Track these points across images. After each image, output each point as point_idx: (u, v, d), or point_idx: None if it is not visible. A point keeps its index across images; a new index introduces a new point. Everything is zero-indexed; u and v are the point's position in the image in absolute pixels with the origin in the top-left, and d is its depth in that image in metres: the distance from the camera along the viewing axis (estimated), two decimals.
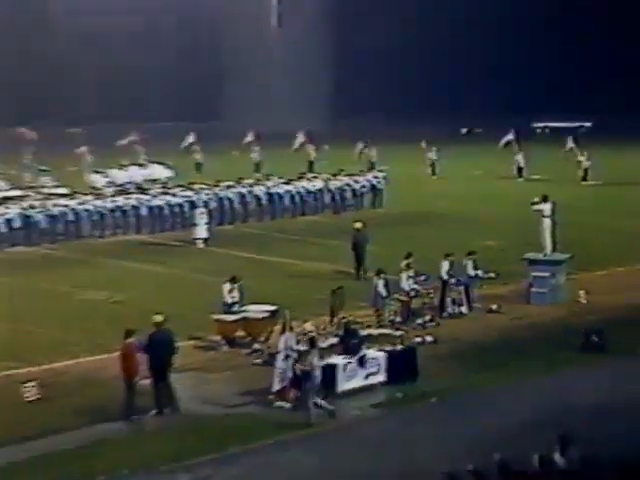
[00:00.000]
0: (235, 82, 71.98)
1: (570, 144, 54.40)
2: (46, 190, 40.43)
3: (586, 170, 50.02)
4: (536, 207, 30.20)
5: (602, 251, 32.66)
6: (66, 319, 26.28)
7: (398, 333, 23.69)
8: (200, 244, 36.03)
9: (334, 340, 22.28)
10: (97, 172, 45.07)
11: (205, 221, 36.69)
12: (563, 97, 62.81)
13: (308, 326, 22.99)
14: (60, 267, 32.99)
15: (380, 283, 25.77)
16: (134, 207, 38.82)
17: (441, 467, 14.91)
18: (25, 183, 43.29)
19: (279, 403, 20.34)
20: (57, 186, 42.04)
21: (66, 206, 37.72)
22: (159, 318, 20.72)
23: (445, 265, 27.03)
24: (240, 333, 24.36)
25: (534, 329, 25.39)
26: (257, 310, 24.72)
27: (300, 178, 43.27)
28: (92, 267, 32.99)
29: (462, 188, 46.56)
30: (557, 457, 13.76)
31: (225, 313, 24.83)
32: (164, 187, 41.58)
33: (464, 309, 27.03)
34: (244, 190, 40.99)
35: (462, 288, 27.17)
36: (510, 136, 52.56)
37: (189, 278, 30.39)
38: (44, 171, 44.37)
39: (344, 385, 21.12)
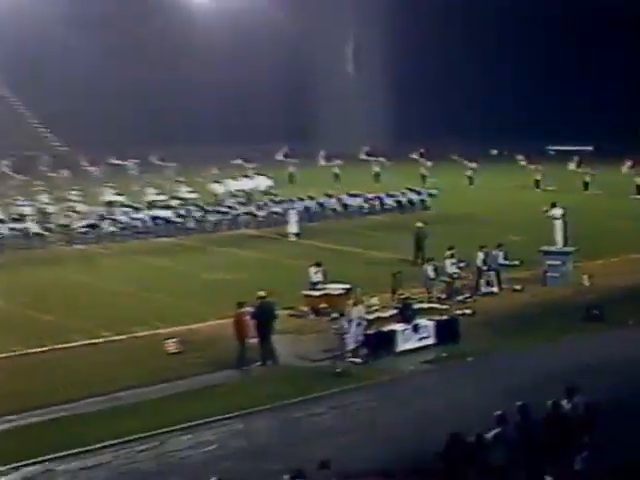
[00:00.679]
0: (319, 109, 71.86)
1: (574, 163, 54.15)
2: (182, 195, 40.90)
3: (587, 183, 49.38)
4: (548, 213, 30.13)
5: (602, 244, 32.26)
6: (194, 292, 26.49)
7: (443, 307, 23.94)
8: (292, 237, 36.01)
9: (394, 312, 22.33)
10: (217, 182, 45.14)
11: (296, 219, 36.66)
12: (570, 124, 61.70)
13: (374, 300, 23.16)
14: (189, 254, 33.25)
15: (429, 268, 25.83)
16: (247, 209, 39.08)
17: (476, 409, 15.22)
18: (166, 190, 43.71)
19: (352, 359, 20.39)
20: (190, 192, 42.44)
21: (196, 206, 38.14)
22: (262, 293, 20.97)
23: (480, 255, 26.98)
24: (323, 305, 24.38)
25: (548, 305, 25.23)
26: (336, 287, 24.83)
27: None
28: (212, 254, 33.21)
29: (493, 196, 46.25)
30: (565, 403, 13.74)
31: (311, 290, 25.01)
32: (267, 195, 41.75)
33: (495, 289, 26.96)
34: (324, 198, 41.00)
35: (493, 273, 27.09)
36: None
37: (284, 263, 30.61)
38: (180, 182, 44.85)
39: (402, 346, 21.18)
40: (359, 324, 20.92)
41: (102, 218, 36.01)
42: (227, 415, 17.06)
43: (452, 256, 26.55)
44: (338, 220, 40.18)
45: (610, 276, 27.67)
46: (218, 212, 38.41)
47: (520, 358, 20.41)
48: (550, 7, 65.93)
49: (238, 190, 43.47)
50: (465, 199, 45.42)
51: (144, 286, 27.60)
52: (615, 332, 22.20)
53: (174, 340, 21.01)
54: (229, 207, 39.14)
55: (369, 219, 40.51)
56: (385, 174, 51.33)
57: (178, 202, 38.95)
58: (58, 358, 20.63)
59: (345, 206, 41.12)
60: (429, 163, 53.27)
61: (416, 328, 21.58)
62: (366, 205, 41.54)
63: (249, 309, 20.43)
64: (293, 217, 36.74)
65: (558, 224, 30.34)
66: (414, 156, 53.73)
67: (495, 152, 65.37)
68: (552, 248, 29.03)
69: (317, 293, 24.82)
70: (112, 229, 35.64)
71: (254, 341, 20.31)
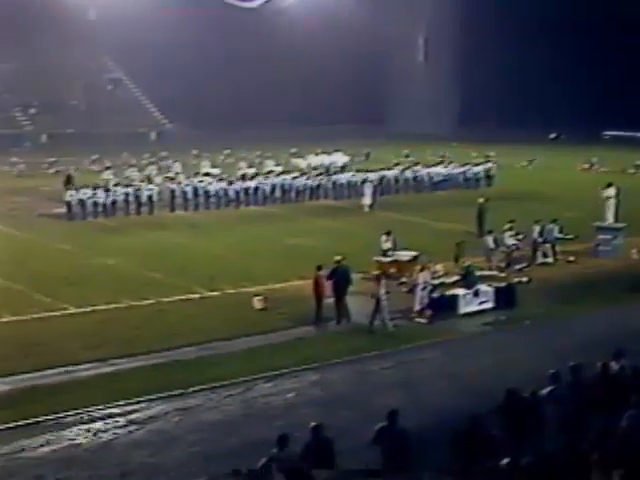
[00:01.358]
0: (392, 94, 71.22)
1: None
2: (269, 169, 40.71)
3: (638, 166, 47.78)
4: (604, 194, 29.37)
5: None
6: (278, 256, 26.50)
7: (502, 275, 23.55)
8: (366, 208, 35.60)
9: (457, 277, 22.01)
10: (300, 157, 44.93)
11: (370, 192, 36.17)
12: (626, 111, 59.54)
13: (439, 267, 22.86)
14: (274, 221, 33.16)
15: (490, 239, 25.39)
16: (326, 182, 38.67)
17: (531, 367, 14.91)
18: (255, 164, 43.78)
19: (418, 319, 20.30)
20: (277, 164, 42.23)
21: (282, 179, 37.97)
22: (338, 257, 20.85)
23: (536, 228, 26.43)
24: (392, 270, 24.13)
25: (599, 276, 24.58)
26: (404, 254, 24.59)
27: (439, 164, 42.55)
28: (296, 222, 33.02)
29: (550, 176, 45.09)
30: (613, 365, 13.35)
31: (382, 256, 24.78)
32: (343, 169, 41.38)
33: (550, 260, 26.37)
34: (397, 172, 40.52)
35: (548, 245, 26.52)
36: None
37: (358, 231, 30.33)
38: (268, 157, 44.90)
39: (464, 309, 20.94)
40: (425, 288, 20.70)
41: (198, 188, 36.25)
42: (306, 366, 17.10)
43: (511, 229, 26.03)
44: (408, 194, 39.60)
45: None
46: (301, 184, 38.04)
47: (572, 323, 20.00)
48: None
49: (318, 165, 43.16)
50: (524, 179, 44.35)
51: (234, 249, 27.76)
52: None
53: (260, 297, 21.06)
54: (311, 179, 38.70)
55: (437, 194, 39.77)
56: (451, 155, 50.42)
57: (266, 174, 38.89)
58: (159, 311, 20.93)
59: (416, 179, 40.43)
60: (490, 145, 52.19)
61: (477, 293, 21.28)
62: (435, 178, 40.75)
63: (326, 272, 20.31)
64: (368, 190, 36.28)
65: (611, 202, 29.45)
66: (480, 145, 52.65)
67: (553, 135, 63.75)
68: (604, 224, 28.25)
69: (387, 259, 24.59)
70: (207, 198, 35.86)
71: (330, 301, 20.23)
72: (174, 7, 61.15)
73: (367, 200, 35.78)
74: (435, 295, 20.89)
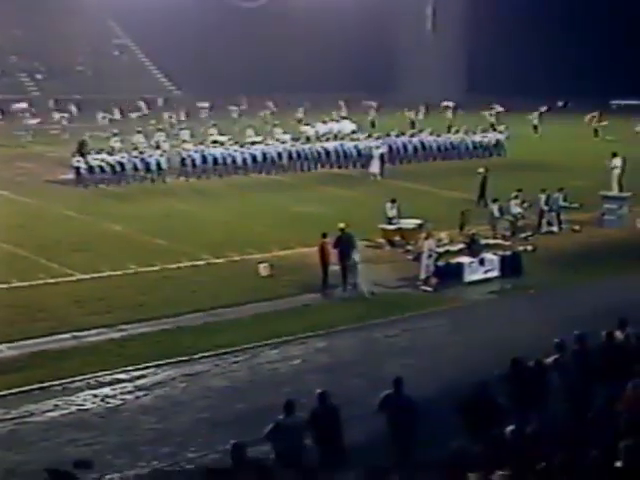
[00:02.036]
0: (400, 62, 70.61)
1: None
2: (277, 137, 40.05)
3: (596, 130, 47.20)
4: (611, 164, 29.13)
5: None
6: (285, 223, 26.30)
7: (507, 243, 23.38)
8: (375, 177, 34.96)
9: (462, 246, 21.88)
10: (308, 125, 44.21)
11: (378, 160, 35.49)
12: (633, 81, 58.80)
13: (444, 235, 22.74)
14: (283, 189, 32.83)
15: (495, 207, 25.18)
16: (335, 149, 37.99)
17: (537, 336, 14.85)
18: (264, 132, 43.25)
19: (424, 287, 20.19)
20: (284, 133, 41.42)
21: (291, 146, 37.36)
22: (342, 225, 20.69)
23: (541, 197, 26.23)
24: (397, 238, 24.12)
25: (604, 244, 24.42)
26: (409, 222, 24.43)
27: (448, 131, 41.91)
28: (304, 189, 32.57)
29: (556, 145, 44.63)
30: (618, 334, 13.23)
31: (387, 224, 24.64)
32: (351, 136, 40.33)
33: (555, 228, 26.20)
34: (405, 139, 39.85)
35: (554, 214, 26.29)
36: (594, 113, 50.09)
37: (365, 199, 30.04)
38: (275, 125, 44.48)
39: (469, 277, 20.83)
40: (430, 256, 20.60)
41: (206, 155, 35.93)
42: (312, 333, 17.07)
43: (516, 197, 25.84)
44: (417, 163, 38.96)
45: None
46: (309, 152, 37.51)
47: (577, 292, 19.87)
48: None
49: (326, 132, 42.68)
50: (530, 147, 43.89)
51: (241, 216, 27.59)
52: None
53: (266, 264, 20.98)
54: (318, 147, 38.10)
55: (446, 163, 39.08)
56: (456, 122, 49.95)
57: (274, 142, 38.49)
58: (166, 277, 20.88)
59: (424, 147, 39.87)
60: (498, 109, 51.57)
61: (482, 261, 21.17)
62: (444, 147, 40.17)
63: (331, 239, 20.20)
64: (376, 158, 35.72)
65: (616, 172, 29.23)
66: (486, 111, 52.03)
67: (561, 104, 63.05)
68: (610, 193, 28.00)
69: (392, 227, 24.46)
70: (216, 165, 35.54)
71: (335, 268, 20.11)
72: None
73: (375, 168, 35.37)
74: (440, 263, 20.78)
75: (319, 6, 67.14)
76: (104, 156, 33.76)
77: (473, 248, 21.43)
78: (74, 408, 13.82)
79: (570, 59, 63.09)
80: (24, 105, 50.58)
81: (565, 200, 26.51)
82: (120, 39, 68.55)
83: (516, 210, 25.63)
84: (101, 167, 33.52)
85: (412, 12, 72.32)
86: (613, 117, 50.81)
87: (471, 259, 21.10)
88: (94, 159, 33.45)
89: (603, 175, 29.60)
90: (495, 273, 21.21)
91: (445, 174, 35.62)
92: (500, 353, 13.16)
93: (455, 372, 14.46)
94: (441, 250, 21.37)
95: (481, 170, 30.41)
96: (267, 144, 37.44)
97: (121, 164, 33.90)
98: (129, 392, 14.44)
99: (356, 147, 38.16)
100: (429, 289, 20.10)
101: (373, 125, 49.81)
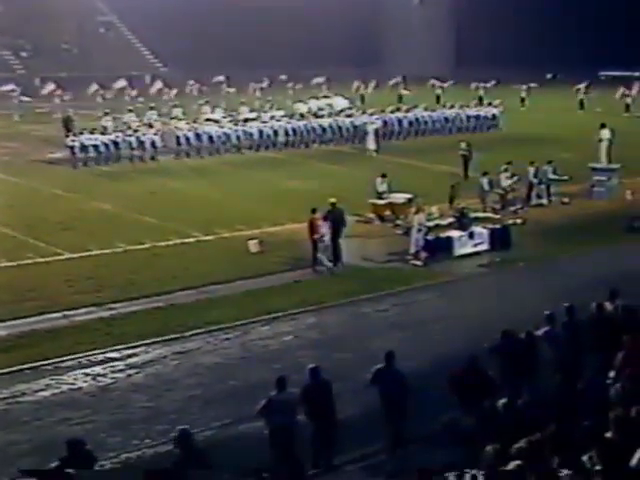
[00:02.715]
0: (387, 37, 70.26)
1: (621, 89, 51.24)
2: (271, 113, 39.54)
3: (628, 105, 47.22)
4: (599, 136, 29.13)
5: None
6: (275, 200, 26.14)
7: (497, 216, 23.33)
8: (371, 153, 34.54)
9: (452, 220, 21.87)
10: (301, 101, 43.71)
11: (374, 136, 35.10)
12: (621, 52, 58.61)
13: (434, 209, 22.74)
14: (278, 165, 32.45)
15: (485, 181, 25.11)
16: (330, 125, 37.70)
17: (527, 308, 14.87)
18: (258, 108, 42.80)
19: (414, 261, 20.17)
20: (278, 109, 41.15)
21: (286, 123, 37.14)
22: (333, 200, 20.63)
23: (530, 169, 26.21)
24: (387, 212, 24.07)
25: (594, 217, 24.38)
26: (399, 197, 24.32)
27: (443, 106, 41.76)
28: (297, 166, 32.32)
29: (545, 117, 44.51)
30: (607, 305, 13.26)
31: (377, 198, 24.56)
32: (346, 112, 39.94)
33: (544, 201, 26.18)
34: (400, 115, 39.58)
35: (543, 186, 26.27)
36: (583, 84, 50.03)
37: (359, 175, 29.22)
38: (269, 101, 44.05)
39: (458, 251, 20.81)
40: (420, 230, 20.57)
41: (200, 134, 35.58)
42: (302, 309, 17.04)
43: (506, 170, 25.79)
44: (414, 138, 38.65)
45: None
46: (305, 129, 37.22)
47: (567, 264, 19.89)
48: None
49: (320, 109, 42.14)
50: (518, 120, 43.71)
51: (231, 193, 27.40)
52: None
53: (255, 241, 20.89)
54: (314, 124, 37.72)
55: (439, 138, 38.63)
56: (445, 97, 49.76)
57: (267, 119, 38.03)
58: (155, 255, 20.79)
59: (418, 122, 39.62)
60: (488, 84, 51.40)
61: (472, 235, 21.15)
62: (439, 122, 39.93)
63: (321, 214, 20.06)
64: (371, 134, 35.29)
65: (604, 144, 29.23)
66: (475, 84, 51.77)
67: (549, 76, 62.91)
68: (599, 165, 27.99)
69: (382, 202, 24.39)
70: (211, 143, 35.20)
71: (326, 243, 19.96)
72: None
73: (371, 145, 34.99)
74: (430, 237, 20.76)
75: None
76: (98, 136, 33.40)
77: (463, 222, 21.41)
78: (66, 387, 13.78)
79: (559, 31, 62.97)
80: (12, 86, 50.02)
81: (555, 173, 26.50)
82: (105, 16, 67.93)
83: (506, 183, 25.58)
84: (95, 146, 33.15)
85: None
86: (602, 88, 50.69)
87: (461, 233, 21.06)
88: (88, 139, 33.09)
89: (592, 147, 29.57)
90: (485, 246, 21.19)
91: (439, 149, 35.35)
92: (490, 326, 13.17)
93: (446, 345, 14.50)
94: (431, 224, 21.34)
95: (463, 145, 30.26)
96: (263, 121, 37.10)
97: (115, 143, 33.56)
98: (120, 370, 14.40)
99: (352, 123, 37.80)
100: (419, 263, 20.07)
101: (363, 100, 49.62)
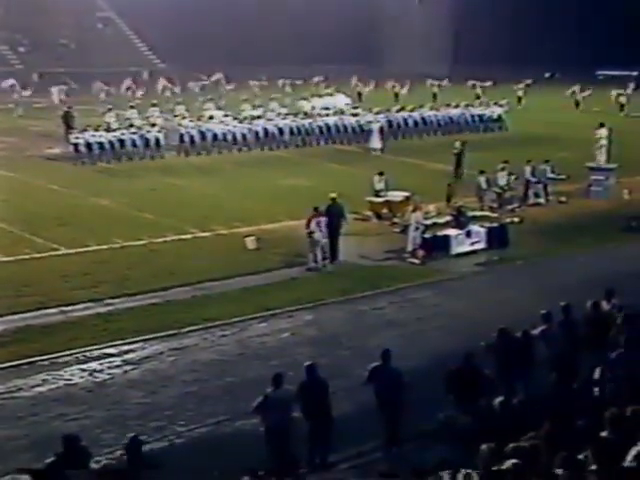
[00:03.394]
0: (386, 35, 70.19)
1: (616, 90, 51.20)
2: (278, 111, 39.12)
3: (622, 105, 47.16)
4: (597, 135, 29.12)
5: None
6: (273, 197, 26.04)
7: (494, 215, 23.34)
8: (375, 152, 34.21)
9: (449, 218, 21.84)
10: (304, 99, 43.34)
11: (378, 135, 34.88)
12: (619, 51, 58.59)
13: (431, 207, 22.74)
14: (280, 164, 32.13)
15: (482, 179, 25.17)
16: (335, 124, 37.28)
17: (523, 307, 14.90)
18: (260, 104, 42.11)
19: (411, 259, 20.18)
20: (283, 106, 40.71)
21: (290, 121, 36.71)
22: (333, 195, 20.61)
23: (527, 168, 26.24)
24: (385, 210, 24.06)
25: (591, 216, 24.45)
26: (397, 195, 24.34)
27: (448, 105, 41.22)
28: (298, 164, 32.08)
29: (542, 116, 44.35)
30: (604, 304, 13.32)
31: (375, 196, 24.55)
32: (353, 111, 39.14)
33: (542, 200, 26.22)
34: (406, 114, 39.16)
35: (541, 185, 26.34)
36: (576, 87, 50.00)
37: (359, 173, 28.71)
38: (272, 99, 43.68)
39: (456, 249, 20.80)
40: (417, 228, 20.59)
41: (204, 131, 35.31)
42: (300, 306, 17.03)
43: (504, 169, 25.81)
44: (419, 137, 38.35)
45: None
46: (310, 127, 36.79)
47: (564, 263, 19.90)
48: None
49: (323, 107, 41.51)
50: (515, 119, 43.66)
51: (230, 190, 27.26)
52: None
53: (252, 238, 20.86)
54: (320, 122, 37.26)
55: (445, 138, 37.84)
56: (442, 95, 49.73)
57: (271, 117, 37.25)
58: (152, 251, 20.75)
59: (424, 121, 39.36)
60: (487, 83, 51.36)
61: (469, 234, 21.15)
62: (444, 121, 39.62)
63: (321, 211, 19.97)
64: (376, 133, 35.09)
65: (602, 143, 29.26)
66: (472, 82, 51.68)
67: (548, 75, 62.91)
68: (596, 164, 28.01)
69: (379, 199, 24.38)
70: (215, 141, 34.85)
71: (324, 240, 19.89)
72: None
73: (376, 144, 34.78)
74: (427, 235, 20.77)
75: None
76: (103, 133, 33.17)
77: (460, 220, 21.41)
78: (62, 383, 13.76)
79: (557, 30, 62.96)
80: (12, 82, 49.94)
81: (552, 172, 26.54)
82: (104, 12, 67.79)
83: (503, 182, 25.60)
84: (100, 143, 32.91)
85: None
86: (599, 88, 50.67)
87: (458, 231, 21.06)
88: (92, 136, 32.83)
89: (589, 146, 29.58)
90: (482, 245, 21.20)
91: (443, 148, 34.95)
92: (487, 324, 13.18)
93: (442, 344, 14.51)
94: (428, 222, 21.35)
95: (457, 144, 30.15)
96: (268, 119, 36.82)
97: (121, 141, 33.32)
98: (117, 366, 14.39)
99: (357, 122, 37.47)
100: (416, 261, 20.06)
101: (360, 98, 49.57)
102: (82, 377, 13.98)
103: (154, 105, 40.01)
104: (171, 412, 12.67)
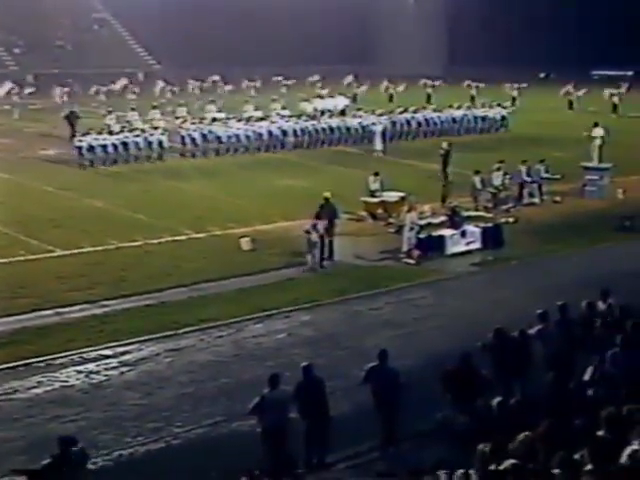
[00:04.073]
0: (381, 36, 70.16)
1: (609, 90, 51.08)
2: (280, 113, 38.80)
3: (615, 105, 47.14)
4: (592, 134, 29.14)
5: (634, 161, 30.86)
6: (269, 198, 25.95)
7: (489, 215, 23.33)
8: (378, 154, 33.97)
9: (444, 218, 21.81)
10: (306, 101, 43.06)
11: (380, 137, 34.67)
12: (614, 51, 58.63)
13: (426, 208, 22.72)
14: (279, 165, 31.90)
15: (477, 179, 25.11)
16: (338, 126, 37.05)
17: (519, 307, 14.87)
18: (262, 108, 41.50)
19: (406, 260, 20.15)
20: (284, 107, 40.60)
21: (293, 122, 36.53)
22: (327, 194, 20.63)
23: (522, 168, 26.22)
24: (380, 211, 24.02)
25: (585, 215, 24.41)
26: (392, 195, 24.31)
27: (450, 106, 41.03)
28: (299, 165, 31.89)
29: (537, 116, 44.32)
30: (600, 304, 13.30)
31: (370, 197, 24.51)
32: (357, 112, 38.89)
33: (536, 200, 26.18)
34: (408, 116, 38.99)
35: (535, 185, 26.33)
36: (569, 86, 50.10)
37: (359, 175, 27.77)
38: (274, 100, 43.33)
39: (451, 250, 20.77)
40: (412, 229, 20.57)
41: (206, 134, 35.00)
42: (296, 307, 16.99)
43: (499, 169, 25.81)
44: (423, 139, 37.98)
45: None
46: (313, 129, 36.60)
47: (559, 263, 19.89)
48: None
49: (329, 110, 41.01)
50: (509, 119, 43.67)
51: (227, 192, 27.11)
52: None
53: (247, 239, 20.83)
54: (320, 124, 37.06)
55: (447, 139, 37.91)
56: (436, 96, 49.72)
57: (276, 119, 37.05)
58: (147, 252, 20.71)
59: (427, 123, 39.17)
60: (481, 85, 51.36)
61: (464, 234, 21.12)
62: (447, 122, 39.42)
63: (316, 211, 20.00)
64: (378, 135, 34.83)
65: (597, 143, 29.31)
66: (467, 82, 51.63)
67: (543, 75, 62.96)
68: (591, 164, 28.03)
69: (374, 200, 24.36)
70: (219, 144, 34.67)
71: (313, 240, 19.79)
72: None
73: (378, 145, 34.56)
74: (422, 236, 20.76)
75: None
76: (106, 136, 32.99)
77: (455, 220, 21.40)
78: (58, 384, 13.71)
79: (552, 30, 62.97)
80: (10, 85, 49.86)
81: (547, 171, 26.55)
82: (100, 13, 67.67)
83: (498, 182, 25.60)
84: (104, 147, 32.67)
85: None
86: (594, 87, 50.69)
87: (453, 231, 21.04)
88: (95, 139, 32.62)
89: (584, 146, 29.62)
90: (477, 245, 21.17)
91: (432, 150, 34.95)
92: (483, 324, 13.16)
93: (439, 344, 14.48)
94: (423, 222, 21.33)
95: (444, 145, 30.01)
96: (272, 121, 36.58)
97: (124, 144, 33.10)
98: (113, 368, 14.34)
99: (360, 124, 37.29)
100: (411, 262, 20.03)
101: (355, 99, 49.51)
102: (78, 379, 13.93)
103: (155, 107, 39.83)
104: (168, 413, 12.63)
